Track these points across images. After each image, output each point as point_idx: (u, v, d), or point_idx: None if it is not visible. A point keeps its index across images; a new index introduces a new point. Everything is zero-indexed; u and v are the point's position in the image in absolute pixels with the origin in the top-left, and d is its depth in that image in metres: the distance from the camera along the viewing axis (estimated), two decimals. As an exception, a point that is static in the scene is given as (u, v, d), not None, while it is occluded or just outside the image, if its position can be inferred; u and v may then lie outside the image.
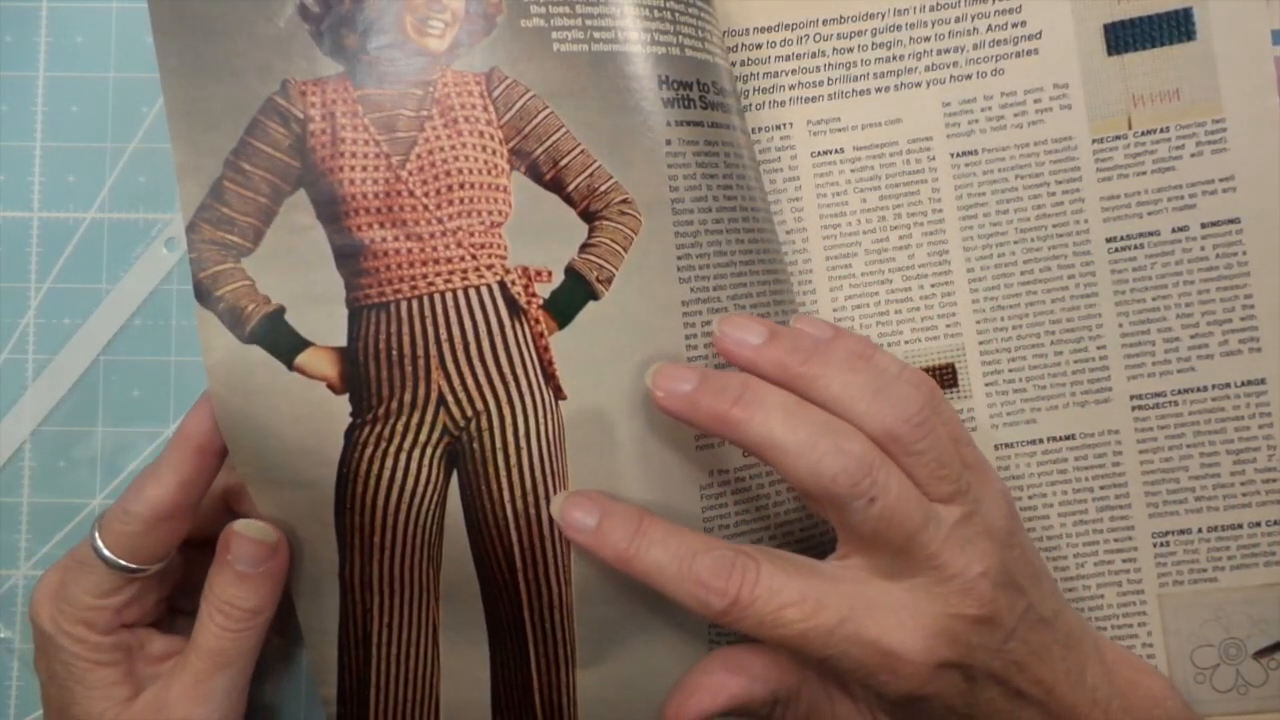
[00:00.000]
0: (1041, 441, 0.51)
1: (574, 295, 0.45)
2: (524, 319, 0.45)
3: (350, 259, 0.44)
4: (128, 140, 0.55)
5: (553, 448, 0.45)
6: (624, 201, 0.45)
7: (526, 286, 0.45)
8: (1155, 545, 0.51)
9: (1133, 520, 0.51)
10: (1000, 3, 0.52)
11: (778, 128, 0.53)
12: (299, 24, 0.44)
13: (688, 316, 0.46)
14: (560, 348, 0.45)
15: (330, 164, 0.43)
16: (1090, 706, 0.44)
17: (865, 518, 0.40)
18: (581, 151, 0.45)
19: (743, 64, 0.53)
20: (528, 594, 0.46)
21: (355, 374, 0.44)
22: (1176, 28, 0.51)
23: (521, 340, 0.45)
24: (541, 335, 0.45)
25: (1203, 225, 0.51)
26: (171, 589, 0.48)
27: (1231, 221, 0.51)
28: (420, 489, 0.45)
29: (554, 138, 0.45)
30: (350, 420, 0.44)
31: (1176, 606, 0.50)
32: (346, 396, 0.44)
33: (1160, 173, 0.51)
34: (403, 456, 0.44)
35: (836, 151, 0.53)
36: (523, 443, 0.45)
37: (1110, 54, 0.52)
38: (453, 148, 0.44)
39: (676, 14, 0.47)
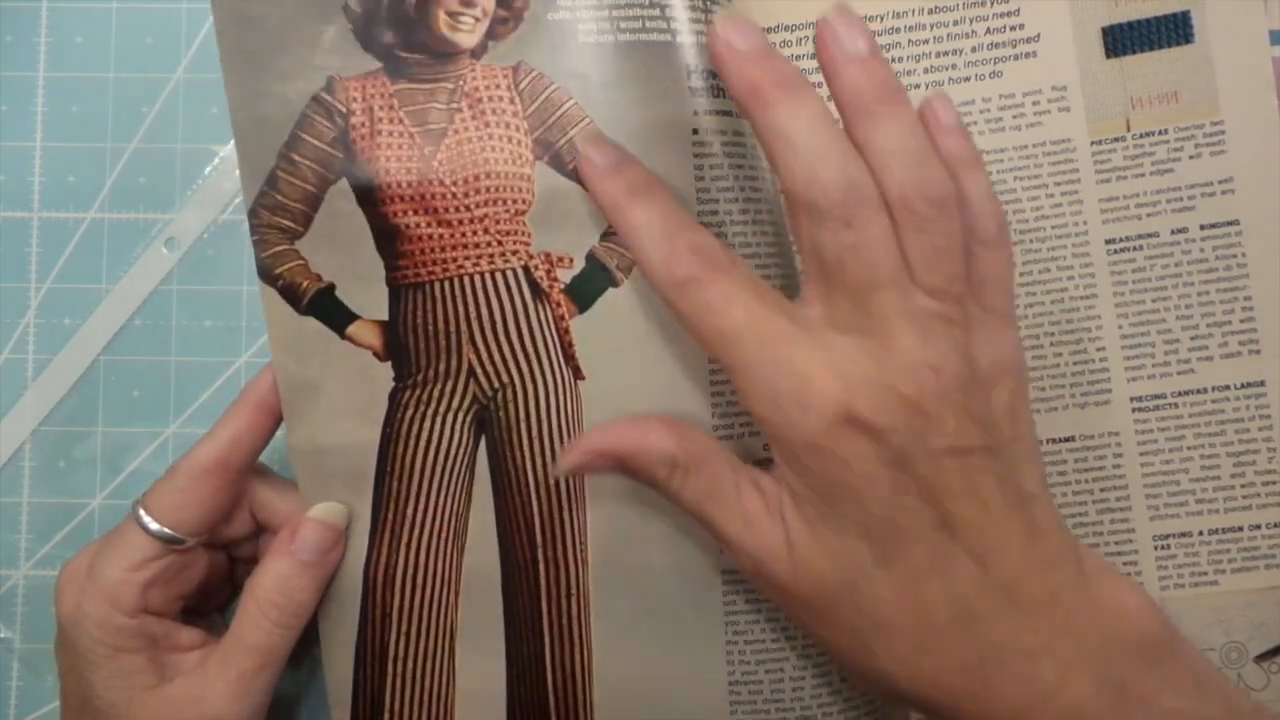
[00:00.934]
0: (1041, 443, 0.51)
1: (594, 282, 0.47)
2: (546, 302, 0.47)
3: (388, 242, 0.47)
4: (128, 140, 0.55)
5: (572, 424, 0.47)
6: None
7: (549, 271, 0.47)
8: (1156, 548, 0.51)
9: (1133, 523, 0.51)
10: (998, 5, 0.52)
11: (777, 129, 0.53)
12: (344, 25, 0.46)
13: None
14: (580, 331, 0.47)
15: (369, 154, 0.46)
16: (1048, 602, 0.40)
17: (836, 242, 0.39)
18: None
19: (743, 65, 0.53)
20: (546, 577, 0.47)
21: (396, 345, 0.47)
22: (1175, 30, 0.51)
23: (543, 321, 0.47)
24: (562, 318, 0.47)
25: (1202, 227, 0.51)
26: (189, 589, 0.48)
27: (1230, 223, 0.51)
28: (454, 449, 0.47)
29: (577, 129, 0.46)
30: (393, 384, 0.47)
31: (1178, 609, 0.50)
32: (389, 364, 0.47)
33: (1159, 174, 0.51)
34: (438, 420, 0.47)
35: (836, 153, 0.53)
36: (544, 416, 0.47)
37: (1109, 56, 0.52)
38: (480, 139, 0.47)
39: (709, 1, 0.48)
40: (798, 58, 0.53)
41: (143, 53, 0.55)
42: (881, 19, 0.53)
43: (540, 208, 0.47)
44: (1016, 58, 0.52)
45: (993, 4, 0.52)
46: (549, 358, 0.47)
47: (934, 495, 0.39)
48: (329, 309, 0.47)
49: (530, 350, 0.47)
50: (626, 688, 0.47)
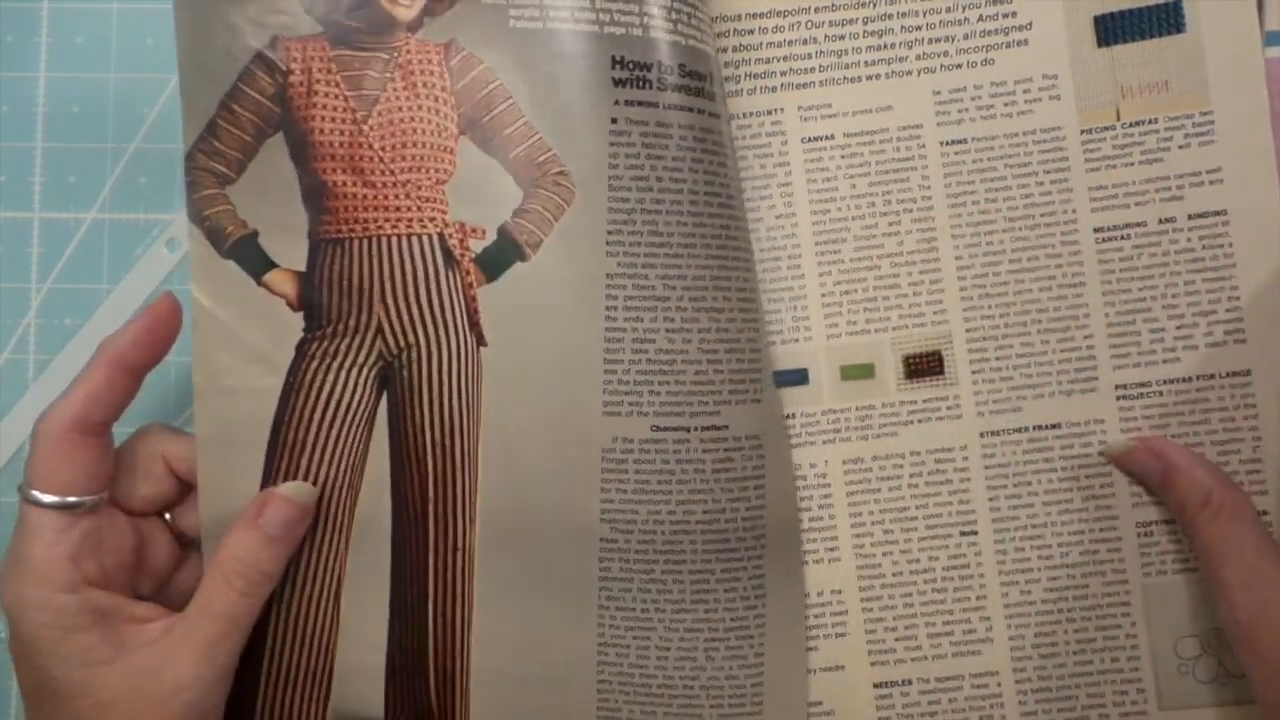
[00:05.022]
0: (1027, 430, 0.52)
1: (503, 254, 0.49)
2: (456, 269, 0.49)
3: (315, 197, 0.49)
4: (128, 140, 0.56)
5: (471, 387, 0.49)
6: (560, 173, 0.49)
7: (461, 240, 0.49)
8: (1139, 535, 0.51)
9: (1117, 510, 0.51)
10: (991, -8, 0.52)
11: (769, 113, 0.53)
12: None
13: (611, 289, 0.49)
14: (487, 299, 0.49)
15: (305, 112, 0.49)
16: None
17: None
18: (524, 123, 0.49)
19: (735, 49, 0.53)
20: (435, 531, 0.50)
21: (310, 296, 0.49)
22: (1166, 20, 0.51)
23: (453, 287, 0.49)
24: (471, 285, 0.49)
25: (1189, 216, 0.51)
26: (128, 558, 0.48)
27: (1218, 213, 0.51)
28: (355, 402, 0.50)
29: (500, 108, 0.49)
30: (302, 334, 0.49)
31: (1161, 596, 0.51)
32: (301, 315, 0.49)
33: (1148, 164, 0.51)
34: (343, 373, 0.49)
35: (827, 138, 0.53)
36: (445, 378, 0.49)
37: (1100, 45, 0.52)
38: (410, 109, 0.49)
39: None
40: (790, 42, 0.53)
41: (143, 53, 0.56)
42: (875, 4, 0.53)
43: (460, 179, 0.49)
44: (1008, 45, 0.52)
45: (985, -10, 0.52)
46: (455, 322, 0.49)
47: None
48: (250, 255, 0.49)
49: (438, 313, 0.49)
50: (502, 639, 0.50)
